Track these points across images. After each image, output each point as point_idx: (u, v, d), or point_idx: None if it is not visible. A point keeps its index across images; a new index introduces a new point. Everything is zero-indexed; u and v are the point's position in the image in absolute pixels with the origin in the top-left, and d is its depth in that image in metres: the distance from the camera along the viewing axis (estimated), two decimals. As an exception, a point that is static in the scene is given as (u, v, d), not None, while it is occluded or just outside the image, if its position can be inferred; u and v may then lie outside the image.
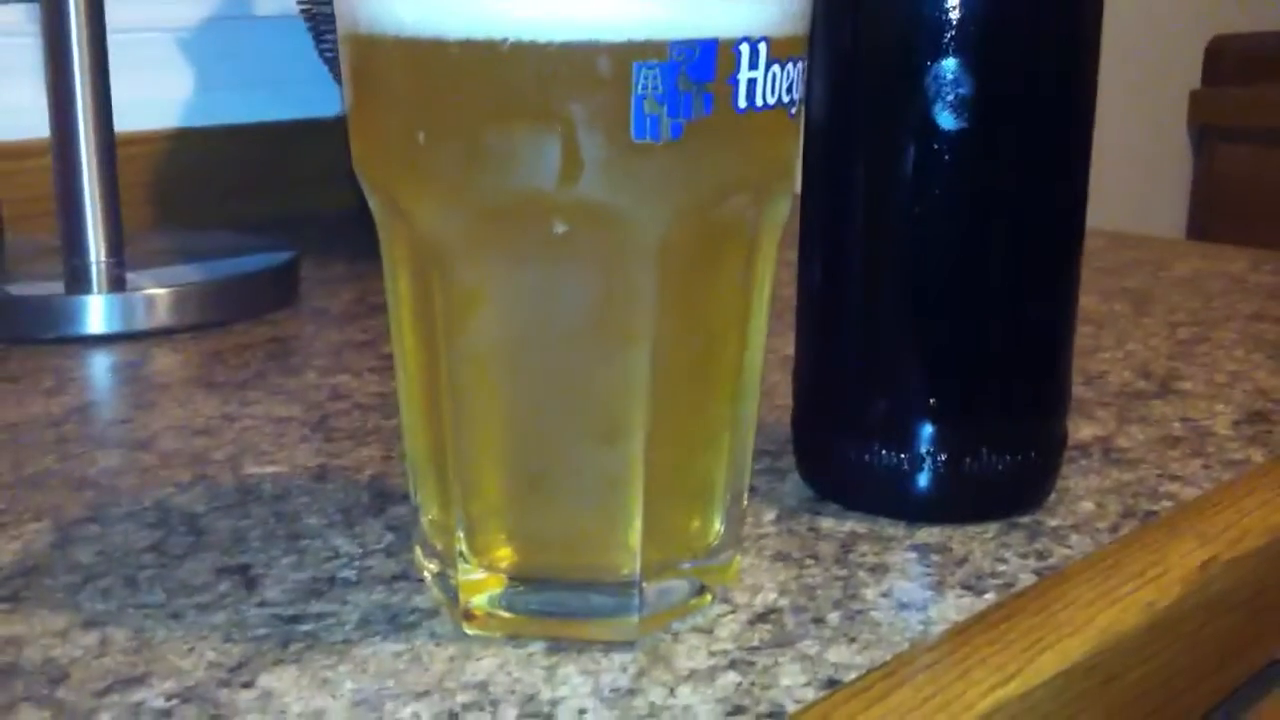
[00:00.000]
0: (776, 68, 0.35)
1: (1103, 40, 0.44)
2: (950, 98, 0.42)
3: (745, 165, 0.36)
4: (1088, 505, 0.46)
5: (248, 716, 0.33)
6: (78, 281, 0.71)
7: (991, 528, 0.45)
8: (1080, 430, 0.53)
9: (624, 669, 0.35)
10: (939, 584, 0.41)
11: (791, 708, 0.34)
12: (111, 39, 0.73)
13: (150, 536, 0.43)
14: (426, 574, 0.39)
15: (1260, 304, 0.76)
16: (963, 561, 0.42)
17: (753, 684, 0.35)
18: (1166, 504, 0.47)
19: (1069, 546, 0.43)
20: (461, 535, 0.37)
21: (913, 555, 0.43)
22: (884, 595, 0.40)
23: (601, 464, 0.36)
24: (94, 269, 0.73)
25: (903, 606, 0.39)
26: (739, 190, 0.36)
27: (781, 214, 0.39)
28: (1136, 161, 1.83)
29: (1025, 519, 0.45)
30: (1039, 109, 0.43)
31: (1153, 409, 0.57)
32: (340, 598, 0.39)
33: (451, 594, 0.37)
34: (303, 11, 0.88)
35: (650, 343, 0.35)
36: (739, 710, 0.34)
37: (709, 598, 0.39)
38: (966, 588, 0.40)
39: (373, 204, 0.38)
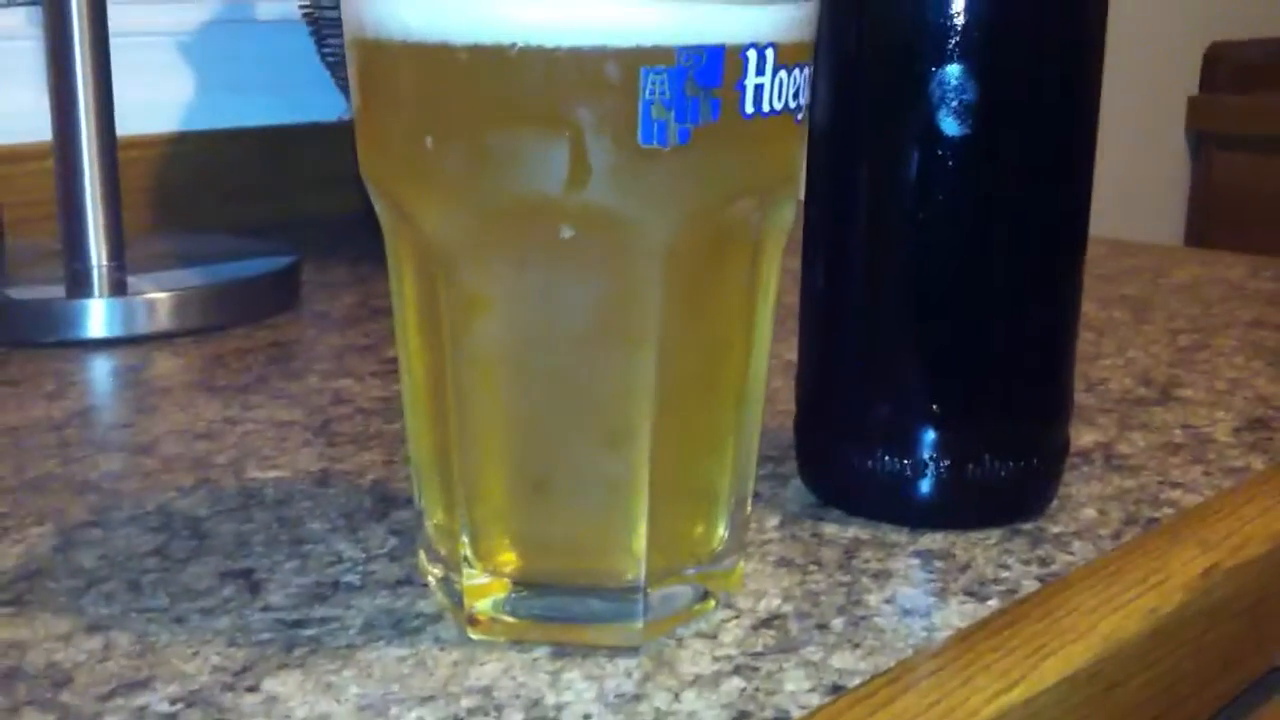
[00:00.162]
0: (783, 73, 0.35)
1: (1105, 47, 0.45)
2: (954, 104, 0.42)
3: (752, 170, 0.36)
4: (1090, 512, 0.46)
5: (253, 721, 0.33)
6: (79, 285, 0.71)
7: (994, 534, 0.45)
8: (1082, 437, 0.53)
9: (628, 674, 0.35)
10: (942, 590, 0.41)
11: (796, 713, 0.34)
12: (113, 42, 0.73)
13: (153, 541, 0.43)
14: (430, 579, 0.39)
15: (1260, 310, 0.76)
16: (966, 568, 0.42)
17: (757, 690, 0.35)
18: (1168, 511, 0.47)
19: (1071, 553, 0.43)
20: (466, 540, 0.37)
21: (916, 561, 0.43)
22: (887, 601, 0.40)
23: (606, 469, 0.36)
24: (95, 273, 0.73)
25: (906, 613, 0.39)
26: (745, 195, 0.36)
27: (787, 219, 0.39)
28: (1134, 168, 1.83)
29: (1028, 525, 0.45)
30: (1043, 115, 0.43)
31: (1154, 416, 0.57)
32: (344, 602, 0.39)
33: (456, 599, 0.37)
34: (304, 15, 0.89)
35: (656, 347, 0.35)
36: (744, 716, 0.34)
37: (713, 603, 0.39)
38: (970, 594, 0.40)
39: (379, 208, 0.38)
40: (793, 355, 0.48)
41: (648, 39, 0.33)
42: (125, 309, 0.67)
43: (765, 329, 0.39)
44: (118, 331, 0.67)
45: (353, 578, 0.41)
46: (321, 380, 0.61)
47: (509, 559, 0.37)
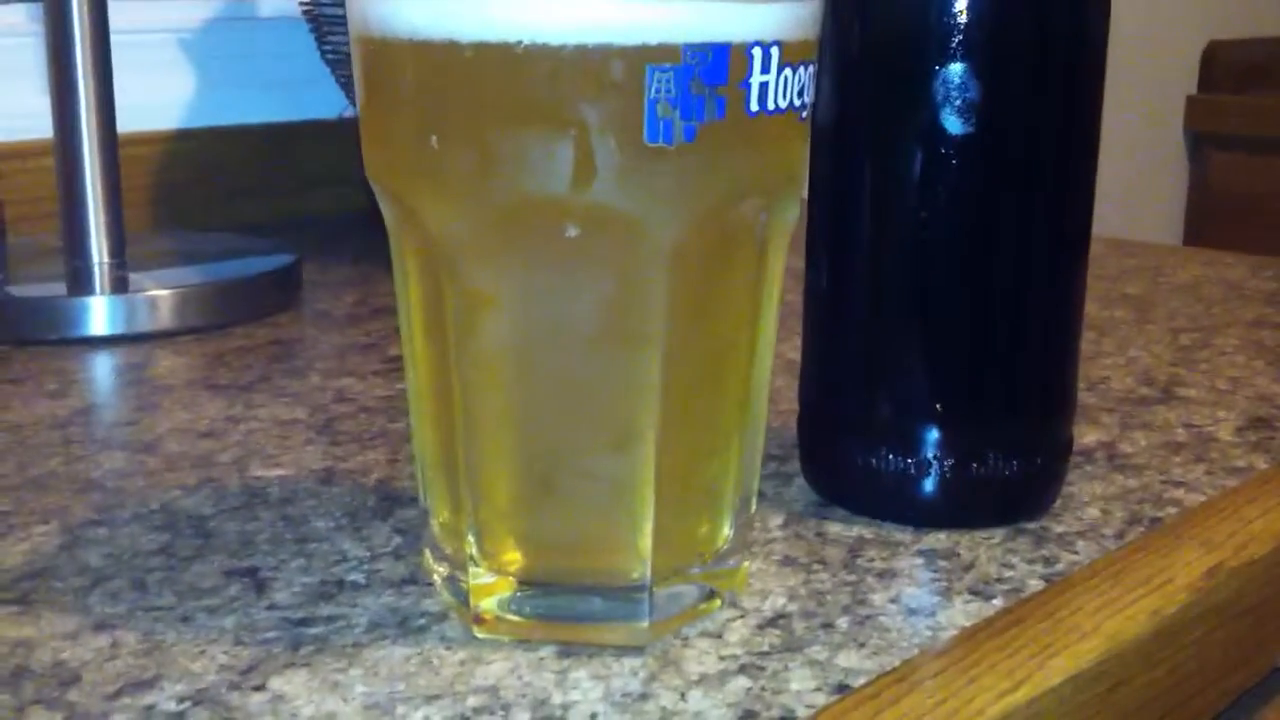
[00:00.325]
0: (788, 71, 0.35)
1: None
2: (957, 102, 0.42)
3: (756, 169, 0.36)
4: (1093, 511, 0.47)
5: (260, 719, 0.33)
6: (80, 283, 0.71)
7: (998, 533, 0.45)
8: (1084, 436, 0.53)
9: (634, 673, 0.35)
10: (947, 589, 0.41)
11: (802, 713, 0.34)
12: (114, 40, 0.73)
13: (158, 539, 0.43)
14: (436, 577, 0.39)
15: (1260, 310, 0.76)
16: (970, 567, 0.42)
17: (763, 689, 0.35)
18: (1171, 510, 0.47)
19: (1075, 553, 0.43)
20: (471, 539, 0.37)
21: (920, 561, 0.43)
22: (892, 601, 0.40)
23: (612, 468, 0.36)
24: (96, 270, 0.73)
25: (911, 612, 0.39)
26: (750, 194, 0.36)
27: (791, 218, 0.39)
28: (1132, 167, 1.83)
29: (1032, 525, 0.45)
30: (1046, 114, 0.43)
31: (1156, 415, 0.57)
32: (349, 601, 0.39)
33: (461, 597, 0.37)
34: (305, 12, 0.88)
35: (661, 346, 0.35)
36: (750, 715, 0.34)
37: (718, 602, 0.39)
38: (974, 593, 0.40)
39: (384, 207, 0.38)
40: (795, 354, 0.48)
41: (653, 37, 0.33)
42: (126, 307, 0.67)
43: (770, 328, 0.39)
44: (119, 329, 0.67)
45: (358, 576, 0.41)
46: (324, 379, 0.61)
47: (514, 558, 0.37)
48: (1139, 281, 0.83)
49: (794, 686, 0.35)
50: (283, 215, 0.96)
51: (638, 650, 0.36)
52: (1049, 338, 0.46)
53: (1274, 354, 0.67)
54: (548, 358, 0.36)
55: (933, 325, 0.44)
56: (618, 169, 0.33)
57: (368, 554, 0.42)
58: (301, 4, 0.88)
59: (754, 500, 0.40)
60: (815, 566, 0.42)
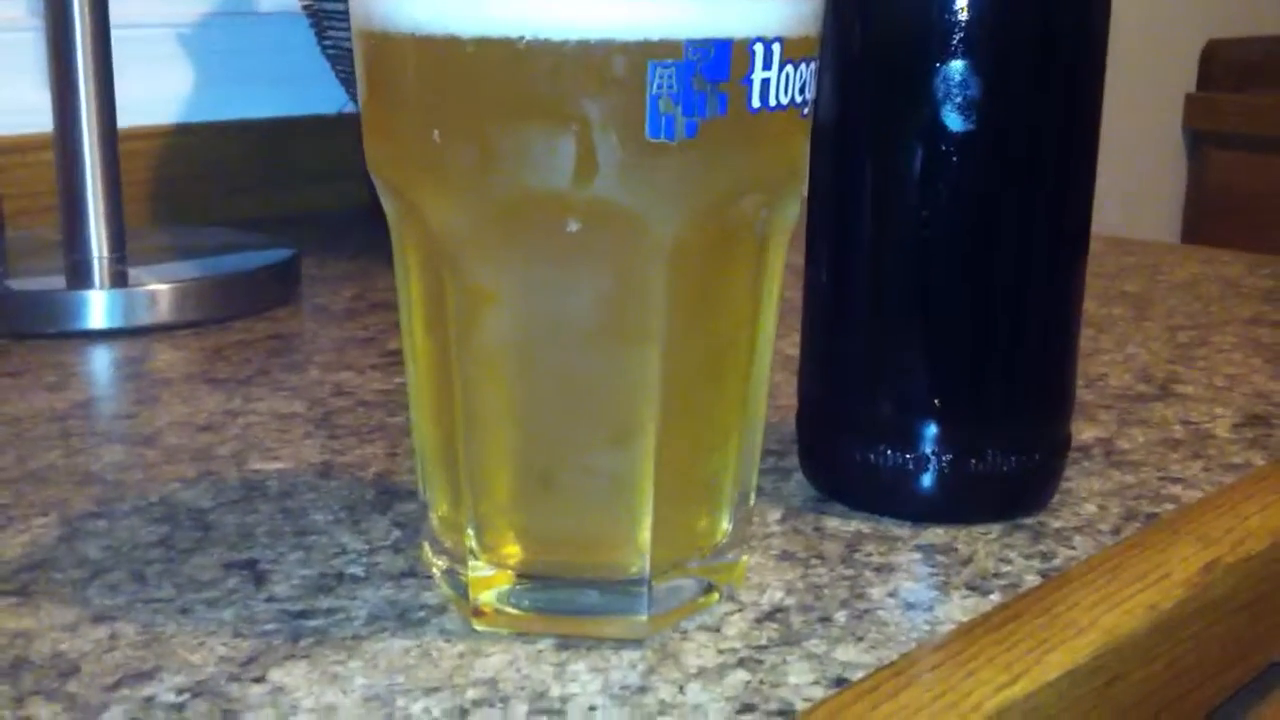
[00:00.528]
0: (790, 68, 0.35)
1: (1105, 43, 0.45)
2: (958, 99, 0.42)
3: (758, 165, 0.36)
4: (1090, 507, 0.47)
5: (259, 711, 0.33)
6: (79, 277, 0.71)
7: (995, 529, 0.45)
8: (1082, 432, 0.53)
9: (633, 666, 0.35)
10: (944, 584, 0.41)
11: (800, 706, 0.34)
12: (114, 34, 0.73)
13: (157, 531, 0.43)
14: (435, 570, 0.39)
15: (1258, 308, 0.76)
16: (968, 562, 0.42)
17: (762, 682, 0.35)
18: (1168, 506, 0.47)
19: (1073, 548, 0.43)
20: (471, 532, 0.37)
21: (918, 555, 0.43)
22: (890, 595, 0.40)
23: (612, 463, 0.36)
24: (95, 264, 0.73)
25: (909, 606, 0.39)
26: (751, 190, 0.36)
27: (791, 214, 0.39)
28: (1131, 166, 1.83)
29: (1029, 520, 0.45)
30: (1046, 111, 0.43)
31: (1153, 412, 0.57)
32: (349, 594, 0.39)
33: (461, 590, 0.37)
34: (305, 7, 0.88)
35: (661, 342, 0.35)
36: (748, 708, 0.34)
37: (716, 596, 0.39)
38: (972, 588, 0.41)
39: (385, 201, 0.38)
40: (793, 349, 0.48)
41: (655, 33, 0.33)
42: (126, 300, 0.67)
43: (770, 324, 0.39)
44: (118, 323, 0.67)
45: (357, 569, 0.41)
46: (322, 373, 0.61)
47: (514, 551, 0.37)
48: (1137, 279, 0.83)
49: (792, 680, 0.35)
50: (282, 210, 0.96)
51: (636, 643, 0.37)
52: (1048, 334, 0.46)
53: (1271, 351, 0.67)
54: (548, 353, 0.36)
55: (932, 321, 0.44)
56: (619, 165, 0.33)
57: (367, 547, 0.42)
58: (301, -1, 0.89)
59: (752, 495, 0.41)
60: (813, 561, 0.42)
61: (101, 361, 0.64)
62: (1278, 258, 0.90)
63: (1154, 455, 0.52)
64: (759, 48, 0.34)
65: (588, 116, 0.33)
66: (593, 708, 0.34)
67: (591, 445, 0.36)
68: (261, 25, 0.98)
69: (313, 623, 0.37)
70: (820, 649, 0.37)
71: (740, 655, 0.36)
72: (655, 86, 0.33)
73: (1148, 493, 0.48)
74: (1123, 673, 0.39)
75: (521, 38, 0.33)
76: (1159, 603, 0.40)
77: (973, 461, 0.44)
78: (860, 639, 0.37)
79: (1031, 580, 0.41)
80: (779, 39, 0.34)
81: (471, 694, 0.34)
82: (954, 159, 0.43)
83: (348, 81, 0.89)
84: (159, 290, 0.68)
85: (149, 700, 0.33)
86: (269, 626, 0.37)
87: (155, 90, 0.92)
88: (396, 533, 0.43)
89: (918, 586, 0.41)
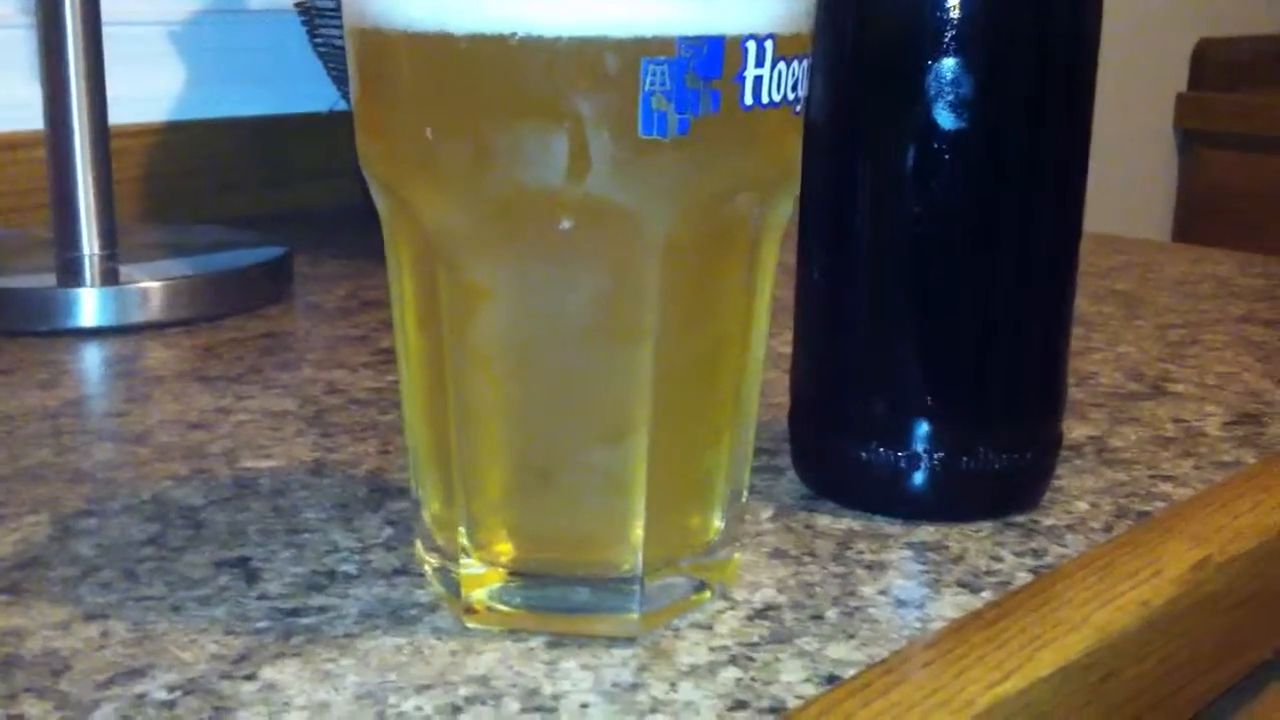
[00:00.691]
0: (782, 65, 0.35)
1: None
2: (950, 98, 0.42)
3: (751, 162, 0.36)
4: (1082, 505, 0.47)
5: (251, 708, 0.33)
6: (70, 274, 0.71)
7: (987, 526, 0.45)
8: (1074, 430, 0.53)
9: (625, 664, 0.35)
10: (936, 582, 0.41)
11: (793, 703, 0.34)
12: (106, 31, 0.73)
13: (149, 529, 0.43)
14: (427, 568, 0.39)
15: (1249, 306, 0.76)
16: (959, 560, 0.42)
17: (753, 679, 0.35)
18: (1159, 504, 0.47)
19: (1064, 545, 0.43)
20: (463, 530, 0.37)
21: (909, 553, 0.43)
22: (882, 593, 0.40)
23: (604, 460, 0.36)
24: (87, 262, 0.73)
25: (901, 604, 0.39)
26: (745, 188, 0.36)
27: (784, 213, 0.39)
28: (1122, 165, 1.83)
29: (1021, 518, 0.45)
30: (1038, 109, 0.43)
31: (1145, 410, 0.57)
32: (341, 591, 0.39)
33: (453, 588, 0.37)
34: (297, 5, 0.88)
35: (654, 339, 0.35)
36: (740, 705, 0.34)
37: (708, 594, 0.39)
38: (963, 586, 0.41)
39: (377, 199, 0.38)
40: (785, 348, 0.48)
41: (648, 30, 0.33)
42: (117, 298, 0.67)
43: (762, 322, 0.39)
44: (109, 321, 0.67)
45: (349, 567, 0.41)
46: (314, 371, 0.61)
47: (506, 549, 0.37)
48: (1129, 277, 0.83)
49: (784, 677, 0.35)
50: (274, 208, 0.96)
51: (628, 641, 0.37)
52: (1039, 332, 0.46)
53: (1262, 350, 0.67)
54: (541, 350, 0.36)
55: (923, 319, 0.44)
56: (612, 161, 0.33)
57: (359, 545, 0.42)
58: (293, -4, 0.88)
59: (745, 493, 0.41)
60: (805, 559, 0.42)
61: (93, 359, 0.63)
62: (1268, 257, 0.90)
63: (1145, 453, 0.52)
64: (751, 45, 0.34)
65: (580, 113, 0.33)
66: (585, 705, 0.34)
67: (584, 443, 0.36)
68: (253, 23, 0.97)
69: (305, 620, 0.37)
70: (812, 646, 0.37)
71: (732, 653, 0.36)
72: (648, 83, 0.33)
73: (1139, 491, 0.48)
74: (1115, 670, 0.39)
75: (514, 34, 0.33)
76: (1150, 600, 0.40)
77: (964, 459, 0.45)
78: (852, 636, 0.37)
79: (1023, 578, 0.41)
80: (771, 36, 0.34)
81: (464, 691, 0.34)
82: (945, 157, 0.43)
83: (339, 79, 0.88)
84: (150, 288, 0.68)
85: (140, 698, 0.33)
86: (261, 624, 0.37)
87: (147, 87, 0.92)
88: (388, 530, 0.43)
89: (909, 584, 0.41)
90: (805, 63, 0.37)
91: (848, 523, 0.45)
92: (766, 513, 0.46)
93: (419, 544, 0.40)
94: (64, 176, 0.73)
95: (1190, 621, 0.42)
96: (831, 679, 0.35)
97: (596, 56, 0.33)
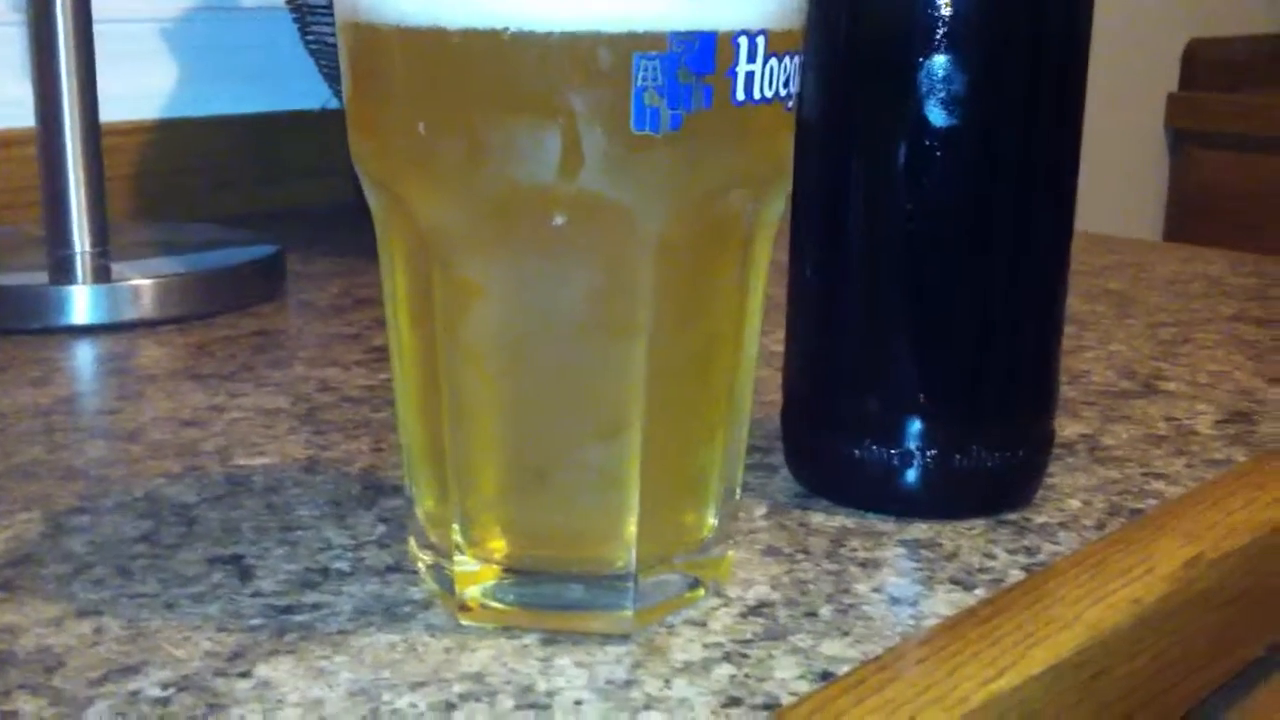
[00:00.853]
0: (774, 61, 0.35)
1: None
2: (941, 94, 0.42)
3: (743, 158, 0.36)
4: (1074, 503, 0.47)
5: (245, 705, 0.33)
6: (62, 272, 0.71)
7: (980, 524, 0.45)
8: (1066, 429, 0.53)
9: (619, 661, 0.35)
10: (929, 579, 0.41)
11: (786, 700, 0.34)
12: (97, 29, 0.73)
13: (142, 527, 0.43)
14: (421, 565, 0.39)
15: (1240, 305, 0.76)
16: (952, 557, 0.42)
17: (747, 676, 0.35)
18: (1151, 502, 0.47)
19: (1057, 543, 0.44)
20: (457, 527, 0.37)
21: (903, 550, 0.43)
22: (875, 590, 0.40)
23: (598, 458, 0.36)
24: (78, 259, 0.73)
25: (894, 601, 0.39)
26: (738, 184, 0.36)
27: (777, 209, 0.39)
28: (1113, 164, 1.83)
29: (1013, 516, 0.45)
30: (1029, 106, 0.43)
31: (1136, 408, 0.57)
32: (334, 589, 0.39)
33: (447, 585, 0.37)
34: (288, 2, 0.88)
35: (648, 336, 0.35)
36: (734, 702, 0.34)
37: (702, 591, 0.39)
38: (956, 583, 0.41)
39: (370, 195, 0.38)
40: (777, 346, 0.48)
41: (640, 25, 0.33)
42: (109, 296, 0.67)
43: (755, 320, 0.39)
44: (101, 318, 0.66)
45: (342, 564, 0.41)
46: (307, 369, 0.61)
47: (500, 546, 0.37)
48: (1120, 277, 0.84)
49: (778, 674, 0.35)
50: (266, 206, 0.96)
51: (622, 638, 0.37)
52: (1031, 330, 0.46)
53: (1253, 349, 0.67)
54: (535, 346, 0.36)
55: (916, 317, 0.44)
56: (605, 157, 0.33)
57: (352, 542, 0.42)
58: (285, -6, 0.88)
59: (738, 490, 0.41)
60: (799, 556, 0.42)
61: (85, 357, 0.63)
62: (1259, 256, 0.90)
63: (1137, 451, 0.52)
64: (743, 40, 0.34)
65: (573, 109, 0.33)
66: (579, 702, 0.34)
67: (578, 439, 0.36)
68: (245, 20, 0.97)
69: (298, 617, 0.37)
70: (806, 643, 0.37)
71: (726, 650, 0.36)
72: (640, 79, 0.33)
73: (1131, 488, 0.48)
74: (1107, 667, 0.39)
75: (507, 29, 0.33)
76: (1143, 597, 0.40)
77: (957, 457, 0.45)
78: (846, 633, 0.37)
79: (1016, 575, 0.41)
80: (763, 32, 0.34)
81: (458, 688, 0.34)
82: (937, 154, 0.43)
83: (331, 77, 0.88)
84: (142, 285, 0.68)
85: (134, 695, 0.33)
86: (255, 621, 0.37)
87: (138, 85, 0.92)
88: (382, 528, 0.43)
89: (903, 581, 0.41)
90: (797, 59, 0.37)
91: (841, 520, 0.45)
92: (760, 510, 0.46)
93: (412, 541, 0.40)
94: (55, 174, 0.73)
95: (1182, 619, 0.42)
96: (825, 676, 0.35)
97: (589, 51, 0.33)
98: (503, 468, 0.37)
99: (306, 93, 0.96)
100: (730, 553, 0.41)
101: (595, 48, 0.33)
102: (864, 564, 0.42)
